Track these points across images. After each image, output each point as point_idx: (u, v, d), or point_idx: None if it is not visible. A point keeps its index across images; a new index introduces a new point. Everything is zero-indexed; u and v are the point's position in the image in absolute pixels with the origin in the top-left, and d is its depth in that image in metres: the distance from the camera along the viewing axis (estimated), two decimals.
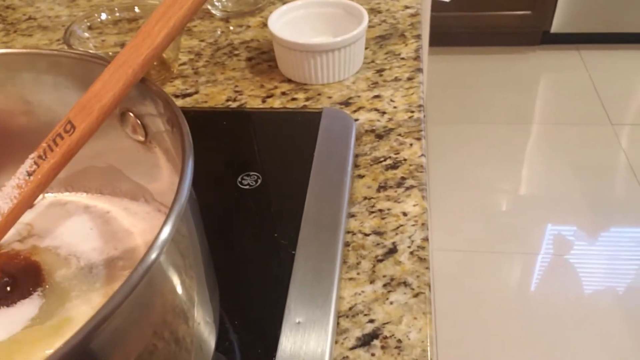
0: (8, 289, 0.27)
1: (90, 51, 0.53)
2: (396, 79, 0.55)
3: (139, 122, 0.28)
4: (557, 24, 2.00)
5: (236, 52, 0.60)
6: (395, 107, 0.51)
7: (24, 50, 0.28)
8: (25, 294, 0.27)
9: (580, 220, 1.46)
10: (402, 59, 0.58)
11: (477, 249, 1.41)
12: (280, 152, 0.47)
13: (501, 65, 2.06)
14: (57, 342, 0.26)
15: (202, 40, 0.62)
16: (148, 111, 0.27)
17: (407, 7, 0.67)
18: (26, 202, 0.25)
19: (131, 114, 0.28)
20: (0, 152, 0.31)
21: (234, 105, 0.52)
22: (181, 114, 0.24)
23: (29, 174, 0.25)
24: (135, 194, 0.33)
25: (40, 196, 0.32)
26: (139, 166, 0.31)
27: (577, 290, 1.31)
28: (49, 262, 0.30)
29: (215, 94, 0.54)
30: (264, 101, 0.53)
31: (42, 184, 0.25)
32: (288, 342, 0.31)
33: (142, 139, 0.29)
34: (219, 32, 0.64)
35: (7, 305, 0.27)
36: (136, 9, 0.56)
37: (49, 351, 0.25)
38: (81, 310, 0.28)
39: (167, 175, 0.29)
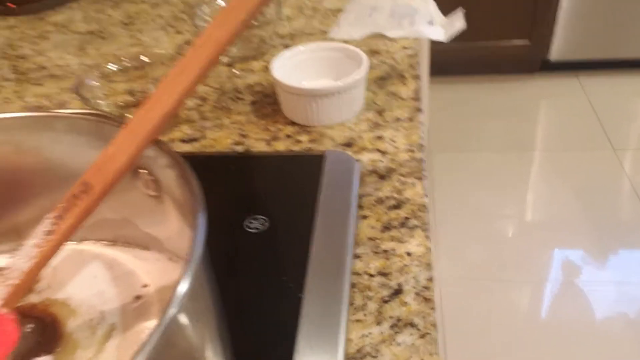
0: (28, 342, 0.28)
1: (100, 101, 0.55)
2: (397, 120, 0.56)
3: (151, 178, 0.29)
4: (556, 52, 2.03)
5: (241, 96, 0.62)
6: (396, 147, 0.52)
7: (45, 113, 0.30)
8: (45, 347, 0.28)
9: (587, 245, 1.46)
10: (402, 99, 0.59)
11: (484, 276, 1.41)
12: (286, 194, 0.48)
13: (502, 93, 2.08)
14: None
15: (207, 85, 0.64)
16: (159, 169, 0.29)
17: (405, 48, 0.69)
18: (45, 261, 0.26)
19: (143, 171, 0.29)
20: (21, 205, 0.32)
21: (239, 149, 0.54)
22: (191, 172, 0.26)
23: (48, 233, 0.26)
24: (147, 243, 0.34)
25: None
26: (151, 217, 0.32)
27: (587, 315, 1.29)
28: (62, 314, 0.31)
29: (221, 138, 0.55)
30: (269, 144, 0.54)
31: (60, 242, 0.26)
32: None
33: (154, 193, 0.30)
34: (224, 77, 0.66)
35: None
36: (142, 57, 0.59)
37: None
38: (94, 358, 0.28)
39: (178, 225, 0.30)
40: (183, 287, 0.22)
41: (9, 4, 0.82)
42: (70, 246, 0.33)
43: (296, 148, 0.54)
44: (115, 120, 0.29)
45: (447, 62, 1.99)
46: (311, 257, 0.41)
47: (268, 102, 0.61)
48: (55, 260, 0.32)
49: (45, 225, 0.27)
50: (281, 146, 0.54)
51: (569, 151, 1.79)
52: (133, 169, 0.30)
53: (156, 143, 0.28)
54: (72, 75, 0.66)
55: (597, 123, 1.89)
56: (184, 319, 0.23)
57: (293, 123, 0.57)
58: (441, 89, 2.08)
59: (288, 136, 0.55)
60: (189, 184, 0.25)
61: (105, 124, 0.29)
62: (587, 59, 2.05)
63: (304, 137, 0.55)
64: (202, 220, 0.24)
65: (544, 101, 2.05)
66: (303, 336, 0.35)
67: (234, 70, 0.66)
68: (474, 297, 1.37)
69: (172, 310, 0.21)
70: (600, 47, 2.01)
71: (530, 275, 1.40)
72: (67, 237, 0.26)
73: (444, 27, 0.72)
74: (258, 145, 0.55)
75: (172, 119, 0.58)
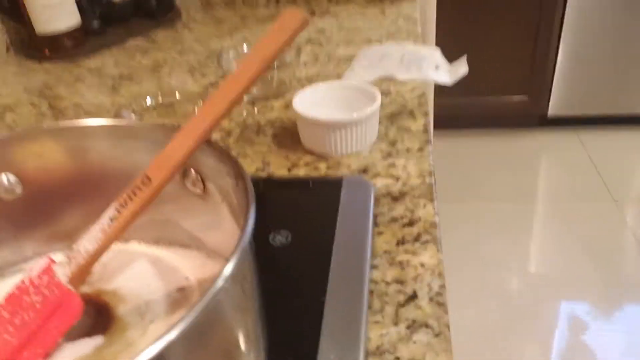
0: (84, 322, 0.31)
1: None
2: (408, 150, 0.61)
3: (198, 177, 0.33)
4: (554, 108, 2.11)
5: (262, 129, 0.67)
6: (408, 174, 0.57)
7: (105, 123, 0.34)
8: (97, 329, 0.31)
9: (593, 298, 1.47)
10: (412, 132, 0.64)
11: (490, 329, 1.40)
12: (307, 213, 0.52)
13: (504, 146, 2.15)
14: (127, 357, 0.29)
15: (231, 120, 0.69)
16: (208, 168, 0.33)
17: (414, 89, 0.74)
18: (108, 244, 0.30)
19: (192, 170, 0.33)
20: (85, 208, 0.36)
21: (263, 174, 0.58)
22: (241, 167, 0.30)
23: (111, 219, 0.30)
24: (188, 242, 0.37)
25: None
26: (194, 218, 0.36)
27: None
28: (112, 301, 0.34)
29: (245, 165, 0.60)
30: (289, 170, 0.59)
31: (123, 227, 0.30)
32: None
33: (200, 192, 0.34)
34: (245, 114, 0.71)
35: (80, 337, 0.31)
36: (177, 95, 0.64)
37: None
38: (141, 337, 0.31)
39: (221, 223, 0.34)
40: (229, 268, 0.24)
41: (45, 51, 0.89)
42: (117, 246, 0.36)
43: (315, 174, 0.58)
44: (170, 126, 0.34)
45: (451, 116, 2.07)
46: (332, 267, 0.44)
47: (288, 134, 0.66)
48: (105, 257, 0.36)
49: (110, 212, 0.30)
50: (301, 173, 0.58)
51: (571, 203, 1.83)
52: (183, 169, 0.34)
53: (208, 144, 0.32)
54: (106, 113, 0.72)
55: (597, 176, 1.93)
56: (226, 298, 0.25)
57: (311, 153, 0.62)
58: (444, 142, 2.15)
59: (307, 164, 0.60)
60: (239, 181, 0.29)
61: (161, 129, 0.34)
62: (585, 115, 2.13)
63: (321, 165, 0.59)
64: (252, 211, 0.27)
65: (544, 154, 2.11)
66: (326, 333, 0.38)
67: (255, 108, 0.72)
68: (480, 349, 1.36)
69: (219, 283, 0.24)
70: (598, 103, 2.08)
71: (536, 329, 1.40)
72: (128, 223, 0.30)
73: (449, 72, 0.79)
74: (279, 171, 0.59)
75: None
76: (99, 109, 0.73)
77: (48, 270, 0.30)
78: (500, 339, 1.37)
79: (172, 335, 0.20)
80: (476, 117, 2.20)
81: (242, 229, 0.26)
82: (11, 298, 0.30)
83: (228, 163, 0.31)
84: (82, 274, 0.30)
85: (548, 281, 1.53)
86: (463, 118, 2.18)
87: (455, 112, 2.06)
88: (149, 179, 0.30)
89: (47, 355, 0.29)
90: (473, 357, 1.33)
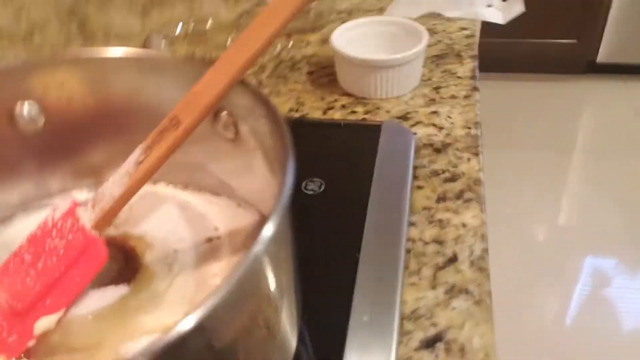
0: (110, 269, 0.29)
1: None
2: (453, 97, 0.56)
3: (231, 119, 0.30)
4: (603, 54, 1.98)
5: (298, 66, 0.63)
6: (452, 123, 0.52)
7: (132, 54, 0.31)
8: (124, 276, 0.30)
9: (621, 254, 1.43)
10: (459, 77, 0.59)
11: (513, 279, 1.39)
12: (342, 160, 0.49)
13: (546, 92, 2.04)
14: (152, 309, 0.28)
15: (264, 54, 0.65)
16: (242, 110, 0.30)
17: (462, 29, 0.68)
18: (135, 188, 0.28)
19: (224, 112, 0.30)
20: (110, 144, 0.34)
21: (296, 115, 0.55)
22: (279, 115, 0.27)
23: (138, 163, 0.28)
24: (217, 188, 0.35)
25: None
26: (224, 163, 0.33)
27: (615, 326, 1.27)
28: (138, 247, 0.32)
29: (278, 104, 0.56)
30: (324, 113, 0.55)
31: (149, 171, 0.28)
32: (356, 337, 0.33)
33: (232, 136, 0.31)
34: (279, 47, 0.67)
35: (105, 285, 0.30)
36: (209, 22, 0.60)
37: (147, 316, 0.27)
38: (167, 289, 0.30)
39: (254, 171, 0.31)
40: (270, 229, 0.22)
41: None
42: (145, 187, 0.34)
43: (351, 118, 0.54)
44: (201, 61, 0.30)
45: (493, 58, 1.96)
46: (367, 221, 0.41)
47: (324, 73, 0.61)
48: (132, 199, 0.33)
49: (136, 154, 0.28)
50: (337, 115, 0.55)
51: (610, 156, 1.75)
52: (215, 110, 0.31)
53: (242, 84, 0.29)
54: (135, 38, 0.68)
55: None
56: (269, 256, 0.23)
57: (349, 94, 0.58)
58: (484, 85, 2.05)
59: (343, 106, 0.56)
60: (276, 127, 0.26)
61: (191, 63, 0.31)
62: (635, 63, 2.00)
63: (359, 109, 0.56)
64: (291, 165, 0.24)
65: (589, 103, 2.01)
66: (360, 293, 0.36)
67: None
68: (502, 299, 1.35)
69: (257, 248, 0.21)
70: None
71: (560, 281, 1.38)
72: (155, 168, 0.28)
73: (502, 10, 0.72)
74: (314, 113, 0.55)
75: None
76: (128, 33, 0.69)
77: (71, 213, 0.28)
78: (522, 289, 1.36)
79: (209, 306, 0.18)
80: (520, 60, 2.08)
81: (281, 187, 0.23)
82: (33, 239, 0.28)
83: (264, 107, 0.28)
84: (107, 219, 0.28)
85: (576, 234, 1.50)
86: (505, 60, 2.07)
87: (497, 54, 1.95)
88: (177, 120, 0.28)
89: (71, 303, 0.27)
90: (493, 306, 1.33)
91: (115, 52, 0.32)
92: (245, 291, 0.22)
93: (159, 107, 0.31)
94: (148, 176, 0.28)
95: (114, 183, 0.28)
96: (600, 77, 2.06)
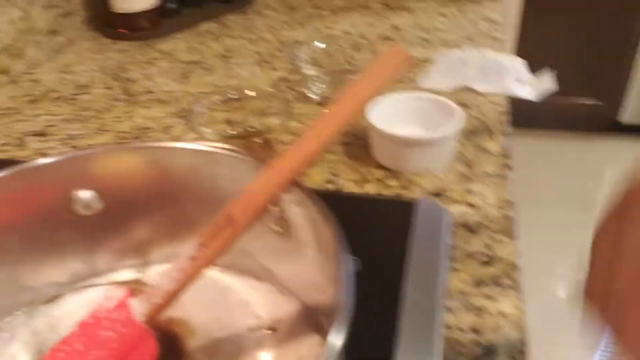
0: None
1: (204, 128, 0.58)
2: (486, 174, 0.57)
3: (282, 215, 0.31)
4: (627, 115, 1.99)
5: None
6: (486, 203, 0.53)
7: (189, 146, 0.33)
8: None
9: None
10: (491, 154, 0.60)
11: (535, 335, 1.36)
12: (376, 237, 0.49)
13: (570, 151, 2.04)
14: None
15: (301, 123, 0.67)
16: (295, 209, 0.31)
17: (493, 104, 0.70)
18: (186, 284, 0.29)
19: (276, 208, 0.31)
20: (156, 224, 0.35)
21: (331, 187, 0.56)
22: (330, 214, 0.28)
23: (192, 259, 0.29)
24: (260, 274, 0.36)
25: None
26: (271, 252, 0.34)
27: None
28: (183, 332, 0.33)
29: (314, 175, 0.58)
30: (359, 185, 0.56)
31: (202, 268, 0.29)
32: None
33: (280, 230, 0.32)
34: (316, 115, 0.69)
35: None
36: (247, 92, 0.62)
37: None
38: None
39: (300, 263, 0.32)
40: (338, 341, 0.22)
41: (120, 30, 0.89)
42: None
43: (386, 192, 0.55)
44: (251, 160, 0.32)
45: (518, 114, 1.98)
46: (402, 303, 0.41)
47: (358, 144, 0.63)
48: None
49: (190, 251, 0.29)
50: (371, 189, 0.56)
51: None
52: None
53: (295, 183, 0.30)
54: (175, 101, 0.71)
55: None
56: None
57: (383, 167, 0.59)
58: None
59: (378, 180, 0.57)
60: (327, 226, 0.27)
61: (243, 161, 0.32)
62: None
63: (393, 182, 0.56)
64: (349, 277, 0.25)
65: (612, 163, 2.00)
66: None
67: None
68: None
69: None
70: None
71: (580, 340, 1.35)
72: (208, 264, 0.29)
73: (533, 86, 0.73)
74: (348, 185, 0.56)
75: (269, 152, 0.61)
76: (169, 97, 0.72)
77: (124, 304, 0.29)
78: (543, 345, 1.33)
79: None
80: (545, 117, 2.09)
81: (342, 302, 0.24)
82: (85, 327, 0.29)
83: (318, 210, 0.28)
84: (158, 313, 0.29)
85: None
86: (529, 118, 2.08)
87: (523, 110, 1.96)
88: (232, 218, 0.29)
89: None
90: None
91: (174, 144, 0.33)
92: None
93: (212, 192, 0.32)
94: (200, 272, 0.29)
95: (167, 277, 0.29)
96: (624, 137, 2.06)
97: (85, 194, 0.33)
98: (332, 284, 0.28)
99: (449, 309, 0.42)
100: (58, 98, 0.74)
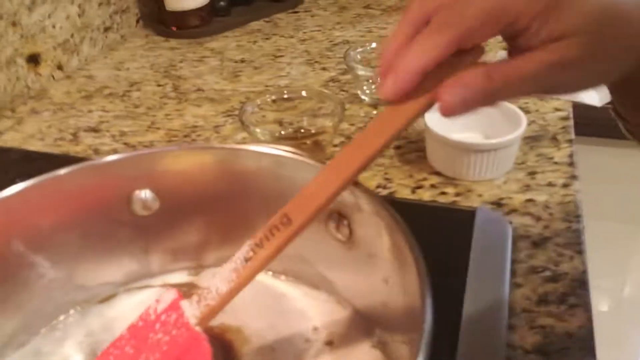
0: None
1: (256, 128, 0.57)
2: (550, 184, 0.54)
3: (345, 221, 0.30)
4: None
5: None
6: (551, 214, 0.50)
7: (255, 149, 0.31)
8: None
9: None
10: (555, 163, 0.57)
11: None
12: (433, 247, 0.47)
13: (628, 161, 1.95)
14: None
15: (352, 124, 0.65)
16: (359, 214, 0.29)
17: (557, 110, 0.66)
18: (241, 286, 0.27)
19: (338, 214, 0.30)
20: (212, 225, 0.34)
21: (384, 192, 0.54)
22: (401, 223, 0.26)
23: (246, 260, 0.27)
24: (317, 282, 0.34)
25: None
26: (331, 261, 0.32)
27: None
28: (236, 341, 0.31)
29: (366, 179, 0.56)
30: (413, 192, 0.54)
31: (256, 270, 0.27)
32: None
33: (343, 239, 0.30)
34: (367, 118, 0.67)
35: None
36: (303, 93, 0.61)
37: None
38: None
39: (360, 271, 0.30)
40: None
41: (172, 27, 0.90)
42: None
43: (441, 200, 0.53)
44: (314, 162, 0.30)
45: (584, 122, 1.90)
46: (464, 320, 0.39)
47: (412, 148, 0.61)
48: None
49: (244, 251, 0.27)
50: (426, 195, 0.53)
51: None
52: (329, 212, 0.30)
53: (359, 187, 0.28)
54: (226, 100, 0.70)
55: None
56: None
57: (438, 173, 0.56)
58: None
59: (433, 186, 0.55)
60: (400, 235, 0.25)
61: (307, 164, 0.30)
62: None
63: (449, 190, 0.54)
64: (428, 296, 0.23)
65: None
66: None
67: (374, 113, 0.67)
68: None
69: None
70: None
71: (620, 354, 1.29)
72: (263, 265, 0.27)
73: (598, 92, 0.69)
74: (402, 191, 0.54)
75: (320, 154, 0.59)
76: (219, 96, 0.72)
77: (175, 307, 0.28)
78: None
79: None
80: (609, 126, 2.00)
81: (423, 324, 0.22)
82: (135, 330, 0.28)
83: (385, 216, 0.27)
84: (211, 315, 0.28)
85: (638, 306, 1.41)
86: (593, 125, 1.99)
87: (585, 117, 1.89)
88: (289, 219, 0.27)
89: None
90: None
91: (237, 146, 0.32)
92: None
93: (273, 195, 0.31)
94: (255, 274, 0.27)
95: (220, 279, 0.27)
96: None
97: (145, 194, 0.32)
98: (398, 297, 0.26)
99: (512, 327, 0.39)
100: (111, 94, 0.75)
